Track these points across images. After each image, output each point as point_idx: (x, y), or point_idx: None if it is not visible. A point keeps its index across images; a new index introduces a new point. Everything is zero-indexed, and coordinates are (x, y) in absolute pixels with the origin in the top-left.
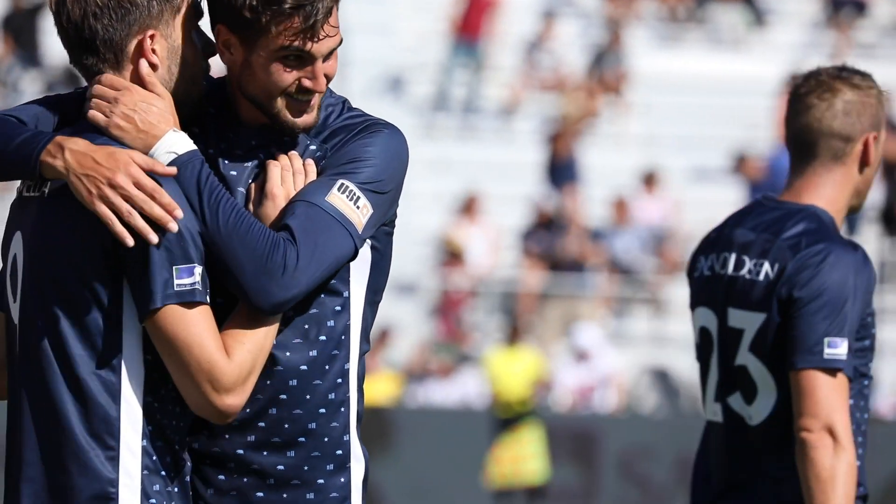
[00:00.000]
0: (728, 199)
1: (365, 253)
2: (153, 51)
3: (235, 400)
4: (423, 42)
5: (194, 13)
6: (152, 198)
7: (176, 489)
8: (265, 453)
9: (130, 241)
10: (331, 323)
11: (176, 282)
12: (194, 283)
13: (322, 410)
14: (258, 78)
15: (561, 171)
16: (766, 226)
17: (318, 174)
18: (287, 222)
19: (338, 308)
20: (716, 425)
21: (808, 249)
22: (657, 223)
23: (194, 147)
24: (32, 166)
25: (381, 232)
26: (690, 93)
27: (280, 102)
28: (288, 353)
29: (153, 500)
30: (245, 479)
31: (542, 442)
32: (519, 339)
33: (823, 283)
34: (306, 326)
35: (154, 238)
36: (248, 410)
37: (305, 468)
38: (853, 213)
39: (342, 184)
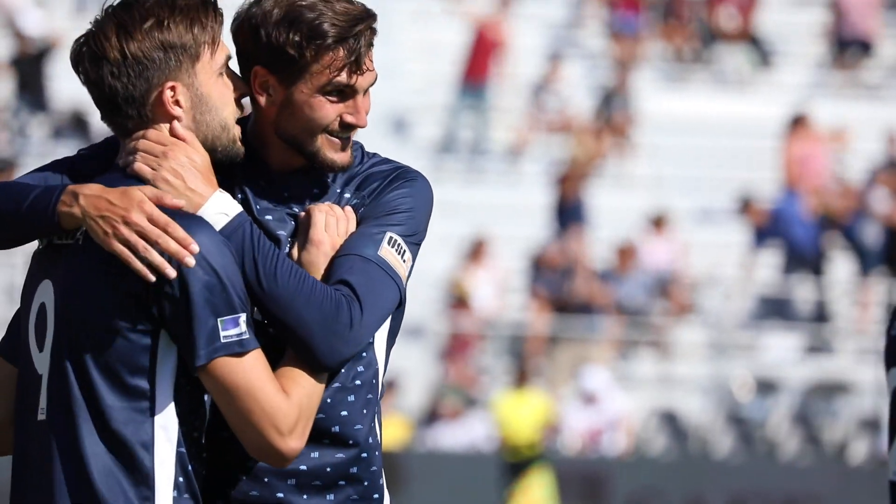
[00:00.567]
0: (734, 241)
1: None
2: (176, 102)
3: (299, 442)
4: (430, 84)
5: (220, 56)
6: (166, 232)
7: None
8: (305, 496)
9: (151, 277)
10: (362, 368)
11: (222, 334)
12: (241, 334)
13: (364, 455)
14: (299, 115)
15: (568, 214)
16: None
17: (357, 223)
18: (346, 278)
19: (366, 354)
20: None
21: None
22: (664, 265)
23: (241, 208)
24: (51, 219)
25: None
26: (697, 134)
27: (321, 140)
28: (329, 400)
29: None
30: None
31: (552, 486)
32: (527, 382)
33: None
34: (343, 372)
35: (171, 272)
36: None
37: None
38: None
39: (391, 237)
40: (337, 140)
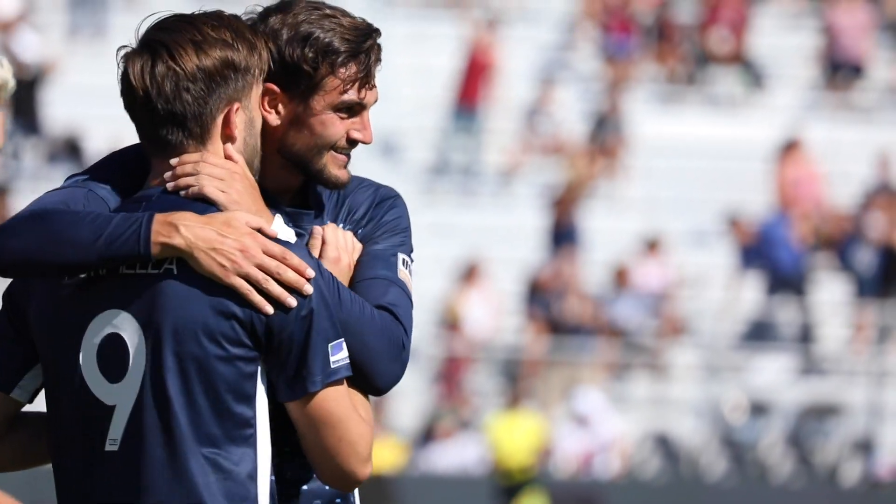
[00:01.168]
0: (726, 263)
1: None
2: (234, 123)
3: (371, 467)
4: (423, 107)
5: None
6: (284, 262)
7: None
8: None
9: (270, 309)
10: None
11: (332, 359)
12: (346, 358)
13: None
14: (310, 132)
15: (561, 236)
16: None
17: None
18: (385, 302)
19: None
20: None
21: None
22: (657, 287)
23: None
24: (142, 251)
25: None
26: (690, 156)
27: (327, 157)
28: None
29: None
30: None
31: None
32: (520, 405)
33: None
34: None
35: (293, 302)
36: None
37: None
38: None
39: (404, 259)
40: (342, 157)
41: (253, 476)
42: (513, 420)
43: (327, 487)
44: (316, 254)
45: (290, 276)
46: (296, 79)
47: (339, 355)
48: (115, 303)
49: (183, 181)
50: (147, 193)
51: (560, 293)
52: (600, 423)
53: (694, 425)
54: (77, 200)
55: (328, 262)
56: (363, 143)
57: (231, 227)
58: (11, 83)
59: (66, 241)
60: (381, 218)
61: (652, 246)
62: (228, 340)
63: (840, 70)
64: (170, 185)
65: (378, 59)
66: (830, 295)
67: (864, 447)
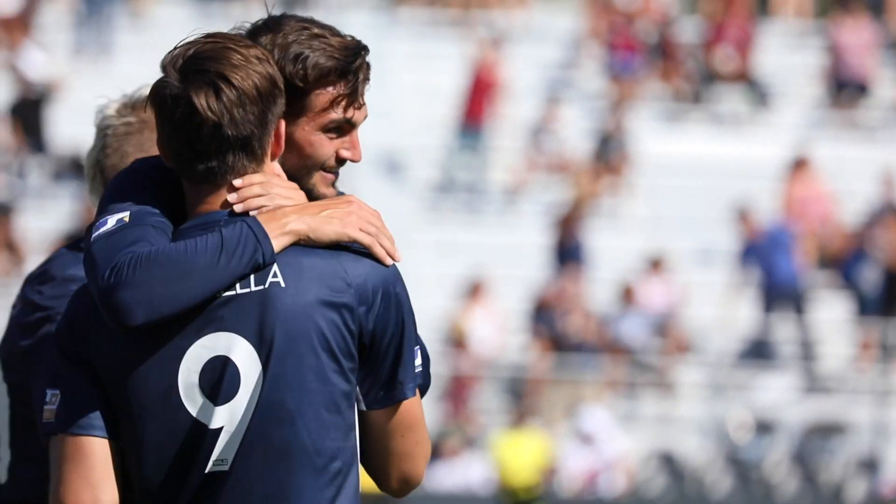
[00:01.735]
0: (733, 281)
1: None
2: (282, 139)
3: None
4: (427, 126)
5: None
6: (382, 228)
7: None
8: None
9: (390, 261)
10: None
11: (416, 363)
12: (422, 364)
13: None
14: (299, 153)
15: (566, 254)
16: None
17: None
18: None
19: None
20: None
21: None
22: (662, 306)
23: None
24: (265, 250)
25: None
26: (695, 175)
27: (317, 176)
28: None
29: None
30: None
31: None
32: (525, 423)
33: None
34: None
35: (399, 256)
36: None
37: None
38: None
39: None
40: (330, 176)
41: (357, 490)
42: (518, 438)
43: None
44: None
45: (387, 242)
46: (289, 97)
47: (419, 359)
48: (217, 326)
49: (254, 202)
50: (213, 218)
51: (565, 311)
52: (605, 442)
53: (699, 443)
54: (150, 237)
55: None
56: (352, 161)
57: (340, 198)
58: None
59: (189, 275)
60: None
61: (656, 264)
62: (343, 353)
63: (845, 88)
64: (239, 207)
65: (366, 78)
66: (835, 313)
67: (869, 466)
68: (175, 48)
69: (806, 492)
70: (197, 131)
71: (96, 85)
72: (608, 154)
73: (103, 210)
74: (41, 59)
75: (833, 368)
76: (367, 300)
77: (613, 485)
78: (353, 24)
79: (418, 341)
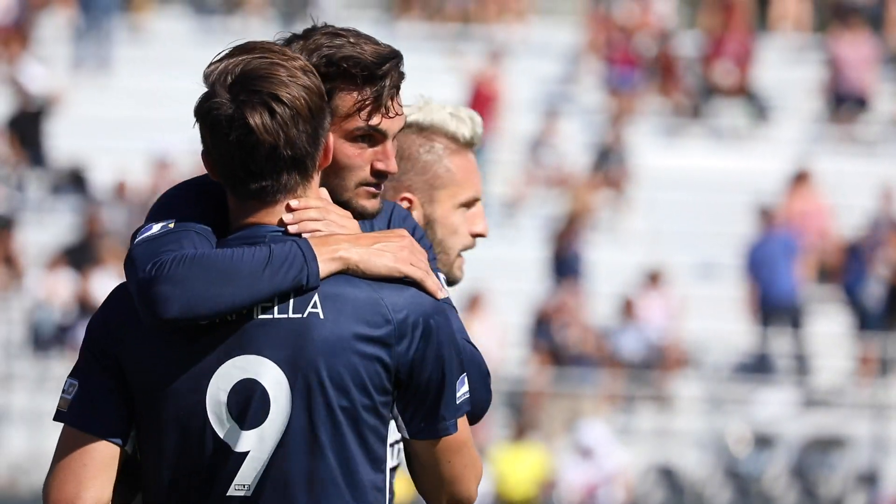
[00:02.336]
0: (731, 296)
1: None
2: (329, 153)
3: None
4: None
5: None
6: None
7: None
8: None
9: (444, 293)
10: None
11: (458, 394)
12: (468, 391)
13: None
14: (332, 165)
15: (565, 268)
16: None
17: None
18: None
19: None
20: None
21: None
22: (661, 320)
23: None
24: (311, 271)
25: None
26: (694, 189)
27: (353, 187)
28: None
29: None
30: None
31: None
32: (524, 436)
33: None
34: None
35: (445, 293)
36: None
37: None
38: None
39: (442, 276)
40: (371, 189)
41: None
42: (517, 452)
43: None
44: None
45: (435, 281)
46: None
47: (463, 389)
48: (251, 348)
49: (310, 225)
50: (258, 232)
51: (564, 325)
52: (604, 455)
53: (698, 457)
54: (195, 242)
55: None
56: (386, 172)
57: (392, 233)
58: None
59: (230, 280)
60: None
61: (654, 278)
62: (376, 388)
63: (844, 103)
64: (294, 228)
65: (396, 86)
66: (835, 327)
67: (869, 480)
68: (219, 62)
69: None
70: (252, 152)
71: (96, 98)
72: (607, 168)
73: (149, 219)
74: (40, 73)
75: (832, 382)
76: (405, 335)
77: (612, 498)
78: None
79: (464, 367)
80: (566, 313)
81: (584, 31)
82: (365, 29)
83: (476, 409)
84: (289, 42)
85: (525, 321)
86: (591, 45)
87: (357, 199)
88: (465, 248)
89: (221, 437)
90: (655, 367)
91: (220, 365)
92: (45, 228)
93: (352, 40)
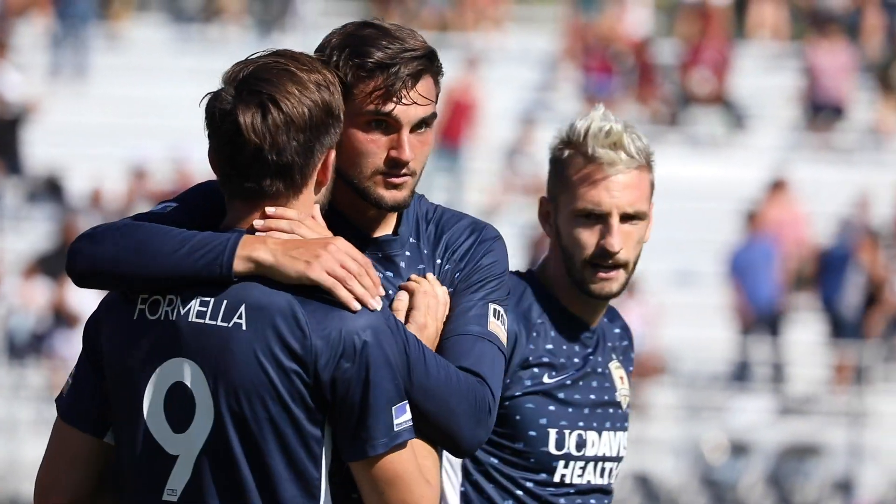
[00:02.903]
0: (709, 304)
1: None
2: (329, 169)
3: None
4: None
5: None
6: (365, 268)
7: None
8: None
9: (357, 305)
10: None
11: (395, 422)
12: (410, 418)
13: None
14: (350, 153)
15: None
16: None
17: (455, 290)
18: (470, 363)
19: None
20: None
21: None
22: (638, 327)
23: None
24: (224, 262)
25: None
26: (670, 197)
27: (369, 175)
28: None
29: None
30: None
31: None
32: None
33: None
34: None
35: (376, 304)
36: None
37: None
38: None
39: (495, 309)
40: (390, 179)
41: None
42: None
43: None
44: (407, 316)
45: (368, 282)
46: None
47: (403, 417)
48: (183, 352)
49: (276, 235)
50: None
51: None
52: None
53: (674, 465)
54: (165, 218)
55: (414, 327)
56: (400, 161)
57: (321, 238)
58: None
59: (147, 251)
60: (479, 261)
61: (630, 287)
62: (296, 403)
63: (821, 111)
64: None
65: (415, 76)
66: (811, 335)
67: (844, 487)
68: (243, 61)
69: None
70: (240, 150)
71: (72, 106)
72: None
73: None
74: (17, 80)
75: (808, 390)
76: (323, 352)
77: None
78: None
79: (452, 396)
80: None
81: (562, 39)
82: None
83: (464, 445)
84: (327, 38)
85: None
86: (568, 53)
87: (374, 188)
88: None
89: (156, 439)
90: (632, 374)
91: (159, 365)
92: (21, 236)
93: (378, 27)
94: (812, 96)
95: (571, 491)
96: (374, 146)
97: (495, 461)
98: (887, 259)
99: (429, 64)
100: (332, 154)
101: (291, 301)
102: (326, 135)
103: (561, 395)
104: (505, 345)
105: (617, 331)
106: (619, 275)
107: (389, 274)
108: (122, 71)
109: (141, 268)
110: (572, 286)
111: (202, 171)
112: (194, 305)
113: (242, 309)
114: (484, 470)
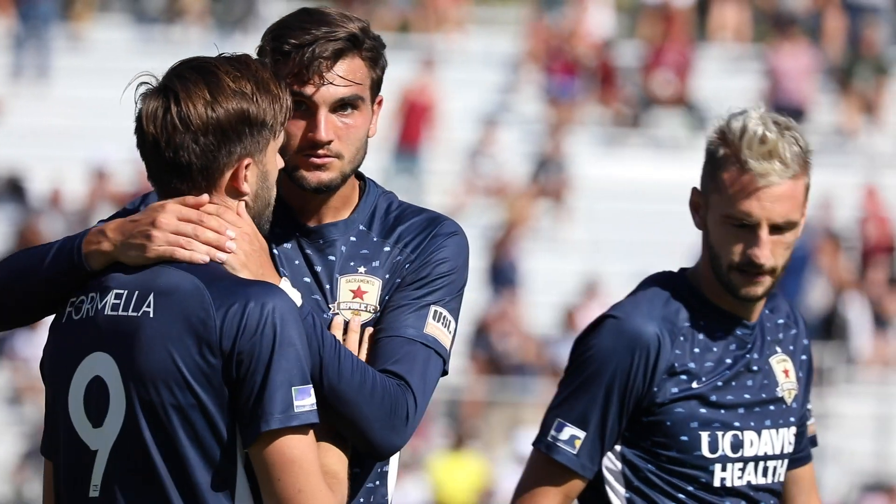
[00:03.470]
0: None
1: None
2: (245, 178)
3: None
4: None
5: (283, 134)
6: (200, 224)
7: None
8: None
9: (203, 258)
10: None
11: (296, 403)
12: (313, 405)
13: None
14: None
15: (501, 277)
16: None
17: (401, 283)
18: (396, 367)
19: None
20: None
21: None
22: None
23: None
24: (77, 263)
25: None
26: (633, 199)
27: (294, 156)
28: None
29: None
30: None
31: None
32: (464, 445)
33: None
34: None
35: (222, 255)
36: None
37: None
38: None
39: (436, 311)
40: (310, 160)
41: None
42: (455, 461)
43: None
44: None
45: (210, 235)
46: None
47: (305, 401)
48: (100, 345)
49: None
50: None
51: (504, 334)
52: None
53: None
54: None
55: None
56: (316, 141)
57: (148, 210)
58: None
59: (19, 271)
60: (429, 256)
61: (592, 287)
62: (202, 386)
63: (783, 113)
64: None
65: (334, 58)
66: None
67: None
68: (186, 59)
69: None
70: (142, 142)
71: (34, 107)
72: (546, 177)
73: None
74: None
75: None
76: (230, 330)
77: None
78: None
79: (365, 402)
80: (506, 322)
81: (524, 40)
82: None
83: (377, 451)
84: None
85: (464, 330)
86: (530, 55)
87: (299, 170)
88: None
89: (80, 435)
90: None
91: (80, 361)
92: None
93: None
94: (774, 98)
95: (734, 494)
96: (295, 127)
97: (653, 467)
98: (849, 261)
99: (351, 45)
100: (249, 164)
101: (197, 283)
102: (238, 143)
103: (713, 398)
104: (445, 348)
105: (781, 321)
106: (766, 280)
107: (331, 259)
108: (83, 72)
109: (23, 294)
110: (720, 284)
111: None
112: (110, 299)
113: (151, 297)
114: (644, 476)
